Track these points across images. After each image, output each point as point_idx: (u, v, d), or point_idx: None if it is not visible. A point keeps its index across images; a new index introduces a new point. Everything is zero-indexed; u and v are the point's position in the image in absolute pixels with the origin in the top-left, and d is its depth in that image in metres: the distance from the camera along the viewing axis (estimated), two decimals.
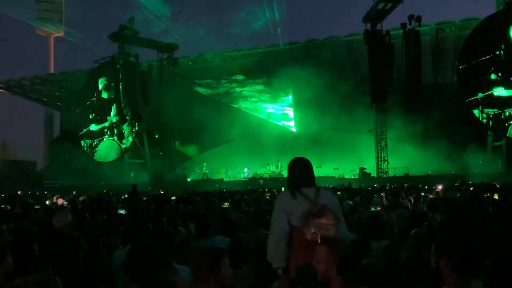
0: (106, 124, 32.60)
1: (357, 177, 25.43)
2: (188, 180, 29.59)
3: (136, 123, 31.03)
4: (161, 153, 31.51)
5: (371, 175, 25.50)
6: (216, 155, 31.60)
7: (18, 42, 79.57)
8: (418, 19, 22.66)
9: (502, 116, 22.84)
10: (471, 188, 11.77)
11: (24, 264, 2.94)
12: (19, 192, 19.60)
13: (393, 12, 23.24)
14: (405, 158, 25.71)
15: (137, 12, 46.75)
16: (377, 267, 3.05)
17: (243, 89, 35.04)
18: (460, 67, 23.46)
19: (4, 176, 32.29)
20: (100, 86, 32.83)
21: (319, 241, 2.67)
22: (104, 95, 32.80)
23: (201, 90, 35.58)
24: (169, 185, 24.72)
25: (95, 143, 32.89)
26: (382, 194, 9.98)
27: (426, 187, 13.70)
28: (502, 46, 22.55)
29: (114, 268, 3.62)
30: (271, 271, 3.04)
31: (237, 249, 3.50)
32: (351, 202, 8.04)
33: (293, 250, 2.99)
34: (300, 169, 3.24)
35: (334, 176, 25.41)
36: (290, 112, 35.01)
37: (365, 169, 25.86)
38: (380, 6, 22.96)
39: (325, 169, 25.51)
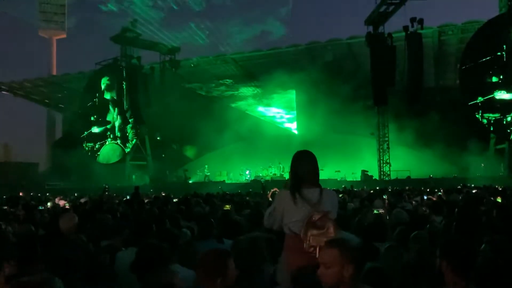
0: (109, 126, 32.61)
1: (359, 179, 25.42)
2: (190, 182, 29.59)
3: (138, 125, 31.06)
4: (163, 155, 31.54)
5: (373, 178, 25.48)
6: (218, 157, 31.59)
7: (21, 44, 79.92)
8: (420, 21, 22.63)
9: (504, 122, 22.68)
10: (474, 191, 11.74)
11: (29, 266, 2.94)
12: (21, 194, 19.63)
13: (395, 15, 23.22)
14: (407, 161, 25.67)
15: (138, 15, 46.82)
16: (382, 269, 3.04)
17: (245, 91, 35.09)
18: (462, 69, 23.42)
19: (6, 178, 32.35)
20: (103, 86, 32.84)
21: (317, 255, 2.52)
22: (107, 96, 32.80)
23: (203, 92, 35.63)
24: (171, 187, 24.71)
25: (96, 146, 32.89)
26: (384, 196, 9.96)
27: (428, 190, 13.67)
28: (504, 47, 22.50)
29: (116, 270, 3.62)
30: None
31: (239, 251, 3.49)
32: (353, 205, 8.05)
33: (289, 255, 2.92)
34: (303, 161, 3.07)
35: (336, 179, 25.38)
36: (292, 114, 35.02)
37: (367, 171, 25.83)
38: (382, 8, 22.96)
39: (327, 171, 25.45)
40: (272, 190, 4.18)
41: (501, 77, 22.51)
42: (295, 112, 34.69)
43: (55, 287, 2.09)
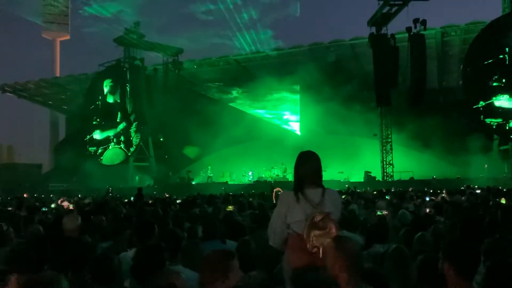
0: (111, 132, 32.57)
1: (362, 180, 25.37)
2: (193, 183, 29.61)
3: (141, 127, 31.10)
4: (166, 156, 31.56)
5: (376, 179, 25.43)
6: (221, 158, 31.59)
7: (24, 46, 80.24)
8: (424, 22, 22.57)
9: (507, 127, 22.24)
10: (478, 191, 11.71)
11: (37, 267, 2.94)
12: (25, 195, 19.71)
13: (398, 16, 23.17)
14: (410, 162, 25.61)
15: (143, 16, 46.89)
16: (382, 271, 3.03)
17: (248, 92, 35.04)
18: (465, 71, 23.32)
19: (10, 179, 32.47)
20: (106, 89, 32.88)
21: (320, 255, 2.60)
22: (110, 99, 32.80)
23: (205, 93, 35.63)
24: (174, 188, 24.74)
25: (99, 151, 32.91)
26: (387, 197, 9.95)
27: (431, 191, 13.64)
28: (507, 49, 22.33)
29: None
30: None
31: (245, 252, 3.50)
32: (356, 206, 8.03)
33: (292, 255, 2.93)
34: (307, 162, 3.08)
35: (339, 180, 25.35)
36: (295, 115, 34.98)
37: (370, 172, 25.78)
38: (385, 9, 22.92)
39: (330, 172, 25.42)
40: (275, 190, 4.21)
41: (503, 80, 22.23)
42: (298, 113, 34.65)
43: (63, 286, 2.11)
